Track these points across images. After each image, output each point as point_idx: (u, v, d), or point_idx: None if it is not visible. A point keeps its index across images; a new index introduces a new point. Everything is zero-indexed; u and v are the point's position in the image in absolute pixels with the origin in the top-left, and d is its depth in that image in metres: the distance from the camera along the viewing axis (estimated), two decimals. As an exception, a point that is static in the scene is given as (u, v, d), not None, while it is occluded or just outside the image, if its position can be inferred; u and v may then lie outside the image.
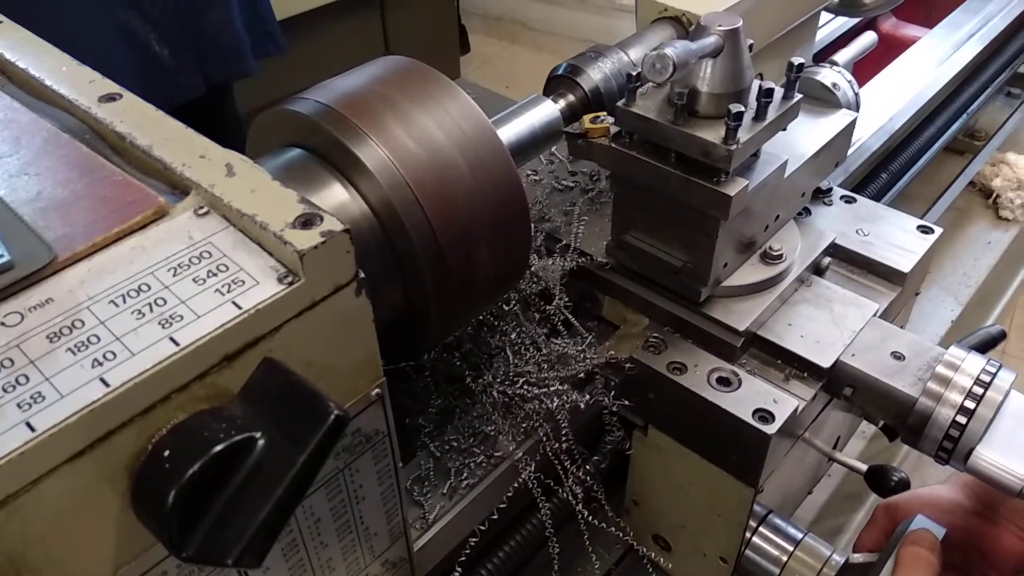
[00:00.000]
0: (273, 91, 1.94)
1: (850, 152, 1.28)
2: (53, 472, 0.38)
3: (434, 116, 0.64)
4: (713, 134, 0.72)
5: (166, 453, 0.40)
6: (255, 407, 0.42)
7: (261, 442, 0.41)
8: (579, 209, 0.96)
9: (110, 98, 0.56)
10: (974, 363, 0.77)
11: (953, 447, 0.76)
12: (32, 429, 0.37)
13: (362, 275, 0.48)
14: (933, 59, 1.52)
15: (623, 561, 0.99)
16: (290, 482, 0.40)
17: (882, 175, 1.34)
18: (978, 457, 0.74)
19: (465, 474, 0.78)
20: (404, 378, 0.84)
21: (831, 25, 1.51)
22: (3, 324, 0.41)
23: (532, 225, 0.92)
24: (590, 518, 0.83)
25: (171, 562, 0.45)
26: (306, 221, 0.45)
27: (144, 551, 0.44)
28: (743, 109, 0.70)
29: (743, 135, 0.71)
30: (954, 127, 1.59)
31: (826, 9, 1.20)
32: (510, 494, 0.78)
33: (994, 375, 0.76)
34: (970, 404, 0.75)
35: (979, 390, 0.75)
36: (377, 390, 0.53)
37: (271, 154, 0.65)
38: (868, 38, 1.07)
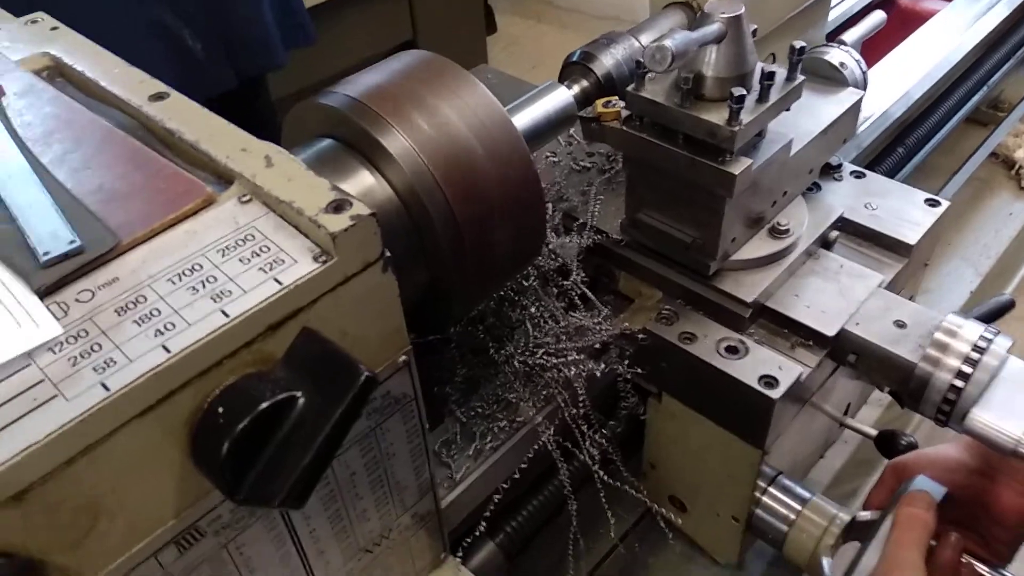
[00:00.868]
0: (305, 77, 2.00)
1: (867, 126, 1.31)
2: (124, 426, 0.44)
3: (453, 106, 0.69)
4: (718, 116, 0.76)
5: (220, 410, 0.46)
6: (296, 370, 0.48)
7: (301, 400, 0.46)
8: (596, 189, 1.01)
9: (159, 97, 0.62)
10: (972, 330, 0.81)
11: (951, 410, 0.80)
12: (107, 389, 0.43)
13: (388, 254, 0.53)
14: (952, 31, 1.53)
15: (641, 522, 1.04)
16: (327, 435, 0.46)
17: (898, 149, 1.37)
18: (973, 418, 0.78)
19: (489, 438, 0.83)
20: (432, 351, 0.90)
21: (847, 3, 1.53)
22: (77, 300, 0.47)
23: (551, 205, 0.98)
24: (609, 480, 0.89)
25: (226, 506, 0.52)
26: (337, 206, 0.51)
27: (202, 497, 0.50)
28: (745, 92, 0.74)
29: (746, 117, 0.75)
30: (975, 98, 1.59)
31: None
32: (531, 455, 0.83)
33: (991, 341, 0.80)
34: (967, 369, 0.79)
35: (976, 355, 0.79)
36: (404, 357, 0.58)
37: (305, 144, 0.70)
38: (876, 17, 1.10)
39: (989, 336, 0.80)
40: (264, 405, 0.45)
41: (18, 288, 0.47)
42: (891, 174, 1.36)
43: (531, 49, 3.84)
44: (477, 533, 0.81)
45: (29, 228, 0.50)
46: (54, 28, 0.73)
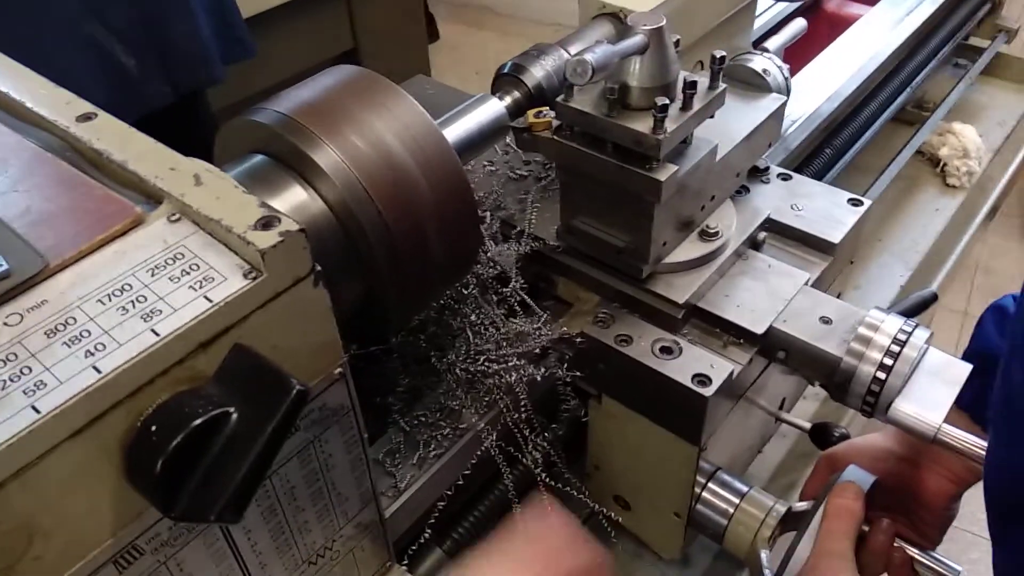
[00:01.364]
0: (245, 88, 1.99)
1: (795, 128, 1.36)
2: (56, 448, 0.44)
3: (383, 120, 0.71)
4: (643, 125, 0.79)
5: (153, 428, 0.46)
6: (228, 386, 0.49)
7: (234, 416, 0.47)
8: (532, 196, 1.03)
9: (86, 117, 0.62)
10: (892, 324, 0.85)
11: (875, 401, 0.84)
12: (37, 412, 0.43)
13: (318, 268, 0.54)
14: (876, 33, 1.59)
15: (587, 522, 1.06)
16: (261, 449, 0.47)
17: (826, 150, 1.41)
18: (896, 409, 0.82)
19: (433, 445, 0.84)
20: (374, 360, 0.90)
21: (774, 10, 1.58)
22: (5, 324, 0.47)
23: (488, 213, 0.99)
24: (553, 483, 0.90)
25: (163, 524, 0.52)
26: (266, 223, 0.52)
27: (139, 515, 0.50)
28: (668, 101, 0.77)
29: (670, 125, 0.78)
30: (900, 99, 1.66)
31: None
32: (474, 462, 0.85)
33: (910, 334, 0.84)
34: (888, 361, 0.82)
35: (896, 348, 0.83)
36: (339, 369, 0.59)
37: (237, 160, 0.71)
38: (797, 25, 1.14)
39: (908, 329, 0.84)
40: (197, 422, 0.46)
41: (-56, 314, 0.47)
42: (820, 175, 1.41)
43: (473, 56, 3.87)
44: (422, 540, 0.82)
45: (-46, 253, 0.50)
46: (-23, 49, 0.72)
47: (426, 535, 0.82)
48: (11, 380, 0.45)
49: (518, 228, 0.98)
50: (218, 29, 1.61)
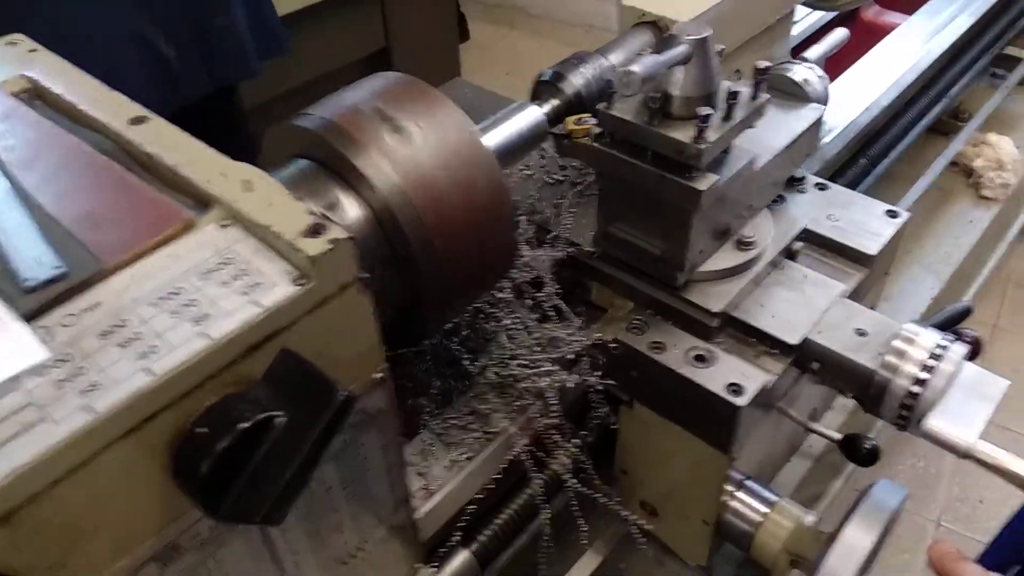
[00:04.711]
0: (278, 85, 1.99)
1: (831, 138, 1.35)
2: (108, 448, 0.45)
3: (426, 126, 0.71)
4: (684, 134, 0.79)
5: (201, 431, 0.47)
6: (276, 390, 0.49)
7: (280, 420, 0.48)
8: (568, 201, 1.03)
9: (138, 120, 0.63)
10: (929, 338, 0.84)
11: (910, 415, 0.83)
12: (91, 412, 0.44)
13: (364, 275, 0.55)
14: (913, 44, 1.58)
15: (613, 527, 1.07)
16: (305, 454, 0.48)
17: (861, 160, 1.41)
18: (929, 423, 0.81)
19: (464, 448, 0.85)
20: (406, 363, 0.91)
21: (811, 18, 1.57)
22: (62, 325, 0.49)
23: (524, 218, 1.00)
24: (581, 488, 0.91)
25: (204, 523, 0.53)
26: (315, 230, 0.52)
27: (182, 514, 0.51)
28: (711, 111, 0.77)
29: (712, 135, 0.78)
30: (936, 109, 1.64)
31: (803, 4, 1.26)
32: (504, 466, 0.85)
33: (947, 348, 0.83)
34: (924, 375, 0.82)
35: (932, 363, 0.82)
36: (380, 374, 0.60)
37: (283, 165, 0.72)
38: (839, 35, 1.13)
39: (945, 344, 0.83)
40: (244, 425, 0.47)
41: (3, 313, 0.48)
42: (854, 184, 1.40)
43: (505, 56, 3.86)
44: (451, 543, 0.82)
45: (13, 253, 0.51)
46: (32, 50, 0.74)
47: (456, 538, 0.82)
48: (67, 380, 0.46)
49: (554, 233, 0.98)
50: (254, 25, 1.62)
